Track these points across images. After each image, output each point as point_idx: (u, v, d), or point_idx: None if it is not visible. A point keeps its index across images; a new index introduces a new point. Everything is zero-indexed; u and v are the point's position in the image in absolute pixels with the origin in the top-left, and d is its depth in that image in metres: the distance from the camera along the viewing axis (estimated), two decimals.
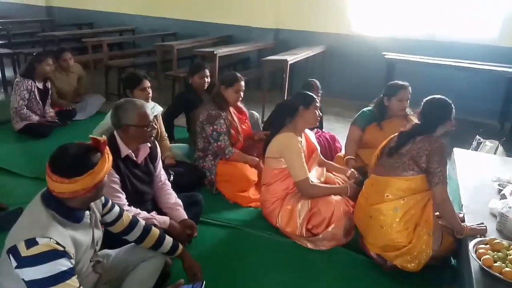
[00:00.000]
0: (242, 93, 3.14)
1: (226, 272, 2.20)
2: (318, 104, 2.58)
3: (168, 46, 5.55)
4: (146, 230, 1.79)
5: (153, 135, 2.16)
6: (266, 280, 2.17)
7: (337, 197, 2.50)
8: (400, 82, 3.01)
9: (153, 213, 2.17)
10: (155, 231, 1.82)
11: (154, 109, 2.95)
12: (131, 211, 1.99)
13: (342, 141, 3.38)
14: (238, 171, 2.99)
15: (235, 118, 3.18)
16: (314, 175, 2.68)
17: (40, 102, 4.07)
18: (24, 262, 1.30)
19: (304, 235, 2.44)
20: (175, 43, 5.68)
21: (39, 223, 1.37)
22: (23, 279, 1.32)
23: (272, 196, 2.57)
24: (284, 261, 2.33)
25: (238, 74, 3.13)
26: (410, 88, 2.98)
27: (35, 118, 3.99)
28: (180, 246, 1.88)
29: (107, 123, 2.90)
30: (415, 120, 2.77)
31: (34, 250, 1.30)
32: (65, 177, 1.36)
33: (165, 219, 2.16)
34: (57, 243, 1.34)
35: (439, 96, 2.22)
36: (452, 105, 2.18)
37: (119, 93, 5.30)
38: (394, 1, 5.56)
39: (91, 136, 1.47)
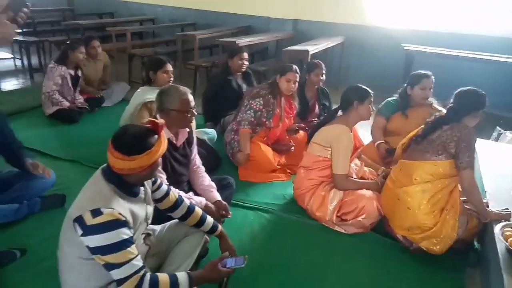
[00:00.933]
0: (293, 85, 3.23)
1: (257, 252, 2.31)
2: (372, 99, 2.56)
3: (190, 35, 5.65)
4: (190, 208, 1.90)
5: (191, 121, 2.26)
6: (296, 259, 2.28)
7: (370, 192, 2.55)
8: (423, 71, 3.08)
9: (191, 193, 2.30)
10: (198, 210, 1.93)
11: None
12: (173, 190, 2.12)
13: (360, 131, 3.44)
14: (260, 151, 3.14)
15: (283, 110, 3.30)
16: (353, 171, 2.74)
17: (72, 88, 4.21)
18: (90, 230, 1.42)
19: (334, 221, 2.54)
20: (197, 32, 5.77)
21: (102, 195, 1.49)
22: (87, 246, 1.44)
23: (309, 180, 2.64)
24: (312, 242, 2.44)
25: (294, 66, 3.21)
26: (433, 77, 3.05)
27: (66, 103, 4.13)
28: (220, 226, 1.99)
29: (128, 110, 3.06)
30: (441, 109, 2.86)
31: (99, 219, 1.42)
32: (126, 154, 1.47)
33: (201, 200, 2.29)
34: (119, 213, 1.46)
35: (473, 88, 2.26)
36: (485, 97, 2.22)
37: (142, 81, 5.40)
38: None
39: (150, 119, 1.57)
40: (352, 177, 2.66)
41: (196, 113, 2.22)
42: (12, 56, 5.89)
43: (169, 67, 3.07)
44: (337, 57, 6.13)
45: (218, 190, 2.43)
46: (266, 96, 3.20)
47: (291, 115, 3.44)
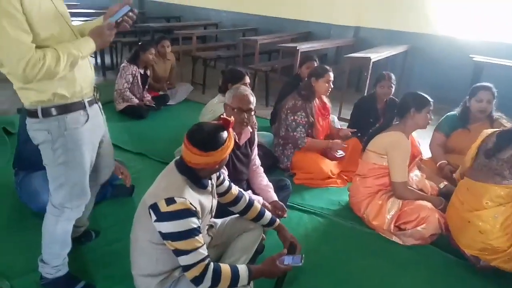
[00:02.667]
0: (331, 84, 3.27)
1: (311, 254, 2.32)
2: (431, 108, 2.51)
3: (252, 40, 5.80)
4: (250, 203, 1.99)
5: (248, 122, 2.33)
6: (350, 265, 2.28)
7: (430, 204, 2.49)
8: (484, 83, 2.93)
9: (249, 192, 2.39)
10: (257, 205, 2.02)
11: None
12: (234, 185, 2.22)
13: (422, 143, 3.35)
14: (313, 163, 3.15)
15: (319, 113, 3.33)
16: (413, 181, 2.70)
17: (141, 86, 4.51)
18: (163, 217, 1.54)
19: (392, 230, 2.50)
20: (258, 37, 5.91)
21: (176, 185, 1.61)
22: (160, 231, 1.56)
23: (365, 188, 2.63)
24: (367, 249, 2.43)
25: (327, 67, 3.27)
26: (494, 90, 2.87)
27: (135, 100, 4.43)
28: (278, 220, 2.06)
29: (205, 116, 3.17)
30: (507, 125, 2.71)
31: (172, 207, 1.54)
32: (203, 150, 1.58)
33: (258, 199, 2.36)
34: (191, 204, 1.58)
35: None
36: None
37: (204, 82, 5.66)
38: (483, 3, 5.30)
39: (221, 116, 1.68)
40: (411, 187, 2.61)
41: (253, 116, 2.32)
42: None
43: (247, 80, 3.16)
44: (399, 66, 5.99)
45: (275, 191, 2.49)
46: (303, 105, 3.21)
47: (326, 115, 3.45)
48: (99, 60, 6.44)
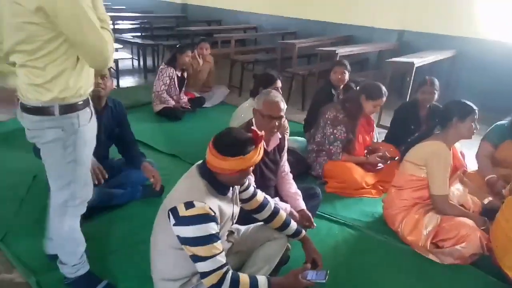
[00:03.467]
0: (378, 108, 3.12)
1: (340, 267, 2.22)
2: (476, 117, 2.32)
3: (290, 44, 5.73)
4: (275, 211, 1.92)
5: (277, 129, 2.26)
6: (381, 282, 2.15)
7: (471, 221, 2.29)
8: None
9: (276, 199, 2.32)
10: (283, 214, 1.94)
11: None
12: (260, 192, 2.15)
13: (467, 154, 3.13)
14: (347, 172, 3.01)
15: (362, 129, 3.19)
16: (454, 196, 2.53)
17: (177, 88, 4.57)
18: (181, 221, 1.51)
19: (428, 247, 2.33)
20: (297, 41, 5.84)
21: (196, 189, 1.57)
22: (178, 235, 1.53)
23: (401, 201, 2.49)
24: (400, 266, 2.28)
25: (384, 89, 3.04)
26: None
27: (171, 102, 4.49)
28: (303, 231, 1.98)
29: (235, 120, 3.13)
30: None
31: (191, 212, 1.50)
32: (219, 153, 1.53)
33: (286, 206, 2.28)
34: (210, 208, 1.53)
35: None
36: None
37: (240, 85, 5.66)
38: None
39: (253, 128, 1.61)
40: (452, 202, 2.43)
41: (283, 122, 2.23)
42: (131, 57, 6.59)
43: (279, 84, 3.09)
44: (445, 72, 5.68)
45: (304, 199, 2.40)
46: (345, 119, 3.07)
47: (370, 132, 3.29)
48: (141, 63, 6.64)
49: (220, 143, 1.56)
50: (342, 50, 5.12)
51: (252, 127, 1.64)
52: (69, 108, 1.61)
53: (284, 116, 2.30)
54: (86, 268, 1.89)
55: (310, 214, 2.30)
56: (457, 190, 2.56)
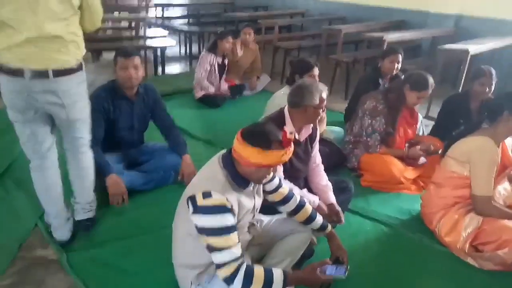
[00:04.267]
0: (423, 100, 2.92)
1: (368, 266, 2.14)
2: None
3: (336, 29, 5.52)
4: (301, 204, 1.86)
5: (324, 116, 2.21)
6: (414, 285, 2.04)
7: None
8: None
9: (304, 191, 2.25)
10: (308, 207, 1.88)
11: None
12: (286, 184, 2.10)
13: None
14: (385, 166, 2.85)
15: (404, 121, 3.01)
16: (501, 196, 2.32)
17: (218, 75, 4.58)
18: (199, 210, 1.50)
19: (466, 250, 2.16)
20: (343, 26, 5.62)
21: (215, 179, 1.56)
22: (195, 224, 1.53)
23: (440, 198, 2.33)
24: (435, 269, 2.14)
25: (431, 80, 2.83)
26: None
27: (212, 89, 4.52)
28: (329, 226, 1.91)
29: (269, 108, 3.05)
30: None
31: (208, 201, 1.49)
32: (243, 138, 1.50)
33: (314, 199, 2.21)
34: (227, 200, 1.51)
35: None
36: None
37: (283, 73, 5.56)
38: None
39: (285, 129, 1.54)
40: (497, 203, 2.22)
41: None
42: (175, 44, 6.69)
43: (316, 71, 2.96)
44: (507, 62, 5.20)
45: (335, 192, 2.31)
46: (385, 110, 2.89)
47: (413, 124, 3.08)
48: (187, 50, 6.73)
49: (248, 130, 1.53)
50: (391, 36, 4.84)
51: (285, 128, 1.56)
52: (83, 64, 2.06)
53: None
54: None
55: (339, 209, 2.21)
56: (504, 190, 2.34)
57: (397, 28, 6.06)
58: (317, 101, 2.06)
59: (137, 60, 2.49)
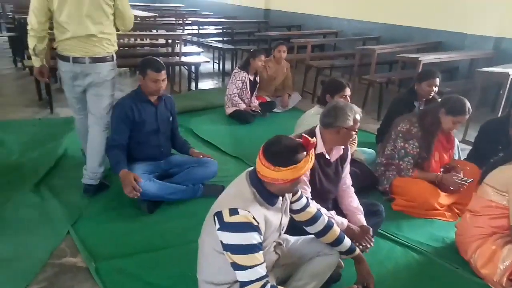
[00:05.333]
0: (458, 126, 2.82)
1: None
2: None
3: (369, 50, 5.48)
4: (328, 225, 1.82)
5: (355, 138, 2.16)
6: None
7: None
8: None
9: (332, 212, 2.19)
10: (336, 229, 1.84)
11: None
12: (314, 204, 2.06)
13: None
14: (418, 191, 2.75)
15: (439, 145, 2.91)
16: None
17: (249, 92, 4.64)
18: (225, 227, 1.50)
19: (504, 284, 2.04)
20: (377, 47, 5.56)
21: (242, 196, 1.55)
22: (221, 241, 1.52)
23: (476, 228, 2.22)
24: None
25: (468, 105, 2.72)
26: None
27: (242, 105, 4.58)
28: (357, 249, 1.85)
29: (300, 127, 3.03)
30: None
31: (234, 218, 1.48)
32: (272, 164, 1.49)
33: (342, 220, 2.15)
34: (254, 218, 1.50)
35: None
36: None
37: (314, 92, 5.56)
38: None
39: (304, 135, 1.55)
40: None
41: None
42: (209, 60, 6.83)
43: (348, 91, 2.93)
44: None
45: (365, 216, 2.25)
46: (419, 134, 2.80)
47: (449, 149, 2.96)
48: (221, 66, 6.87)
49: (271, 152, 1.51)
50: (426, 58, 4.75)
51: (303, 134, 1.57)
52: (114, 56, 2.82)
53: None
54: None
55: (370, 229, 2.14)
56: None
57: (434, 50, 5.94)
58: (351, 123, 2.03)
59: (165, 73, 2.70)
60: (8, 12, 7.89)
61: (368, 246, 2.09)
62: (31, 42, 2.60)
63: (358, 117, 2.06)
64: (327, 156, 2.15)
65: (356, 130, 2.08)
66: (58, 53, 2.67)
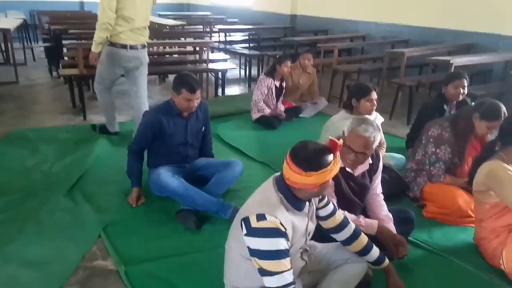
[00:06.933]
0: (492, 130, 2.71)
1: None
2: None
3: (399, 53, 5.37)
4: (355, 233, 1.79)
5: (355, 163, 2.06)
6: None
7: None
8: None
9: (361, 217, 2.15)
10: (364, 237, 1.80)
11: (376, 120, 2.91)
12: (340, 211, 2.02)
13: None
14: (450, 197, 2.65)
15: (473, 151, 2.81)
16: None
17: (275, 98, 4.64)
18: (252, 232, 1.50)
19: None
20: (406, 50, 5.45)
21: (269, 202, 1.55)
22: (248, 246, 1.52)
23: (489, 233, 2.17)
24: None
25: (503, 110, 2.61)
26: None
27: (267, 111, 4.59)
28: (386, 260, 1.81)
29: (334, 129, 2.98)
30: None
31: (262, 224, 1.48)
32: (303, 169, 1.47)
33: (372, 223, 2.08)
34: (281, 223, 1.49)
35: None
36: None
37: (341, 96, 5.50)
38: None
39: (331, 137, 1.53)
40: None
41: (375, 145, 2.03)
42: (235, 67, 6.89)
43: (374, 95, 2.88)
44: None
45: (395, 223, 2.19)
46: (452, 139, 2.71)
47: None
48: (247, 72, 6.91)
49: (300, 158, 1.49)
50: (458, 60, 4.60)
51: (331, 137, 1.55)
52: None
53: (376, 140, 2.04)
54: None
55: (404, 239, 2.07)
56: None
57: (466, 52, 5.76)
58: (346, 134, 2.00)
59: (200, 93, 2.69)
60: (44, 24, 8.24)
61: (404, 253, 2.01)
62: (103, 33, 3.30)
63: (361, 138, 1.95)
64: (350, 171, 2.11)
65: (354, 150, 1.96)
66: (115, 42, 3.41)
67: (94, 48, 3.39)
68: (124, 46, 3.43)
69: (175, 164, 2.86)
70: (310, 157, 1.48)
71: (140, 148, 2.80)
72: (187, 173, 2.88)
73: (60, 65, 5.45)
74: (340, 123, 2.79)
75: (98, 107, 3.41)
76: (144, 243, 2.37)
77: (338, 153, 1.54)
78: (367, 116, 2.53)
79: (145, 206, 2.77)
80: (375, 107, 2.91)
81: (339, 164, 1.54)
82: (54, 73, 6.62)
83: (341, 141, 1.53)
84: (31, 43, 9.26)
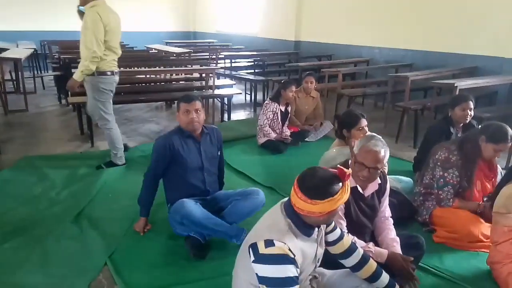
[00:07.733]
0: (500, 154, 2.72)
1: None
2: None
3: (403, 77, 5.42)
4: (364, 259, 1.77)
5: (370, 179, 2.05)
6: None
7: None
8: None
9: (370, 244, 2.12)
10: (373, 263, 1.78)
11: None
12: (349, 236, 2.00)
13: None
14: (460, 221, 2.62)
15: (481, 174, 2.80)
16: None
17: (280, 122, 4.68)
18: (260, 259, 1.48)
19: None
20: (410, 74, 5.50)
21: (278, 228, 1.54)
22: (256, 273, 1.50)
23: (504, 258, 2.13)
24: None
25: (510, 133, 2.61)
26: None
27: (273, 135, 4.61)
28: (397, 286, 1.77)
29: (324, 160, 2.98)
30: None
31: (270, 250, 1.46)
32: (308, 197, 1.47)
33: (382, 252, 2.05)
34: (290, 250, 1.47)
35: None
36: None
37: (336, 133, 5.46)
38: None
39: (339, 166, 1.53)
40: None
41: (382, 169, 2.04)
42: (241, 92, 6.97)
43: (363, 123, 2.88)
44: None
45: (404, 249, 2.12)
46: (458, 162, 2.69)
47: (492, 178, 2.82)
48: (253, 97, 6.99)
49: (306, 186, 1.49)
50: (463, 83, 4.63)
51: (339, 166, 1.55)
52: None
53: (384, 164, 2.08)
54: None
55: (412, 263, 2.03)
56: None
57: (469, 75, 5.79)
58: (357, 152, 2.00)
59: (198, 104, 2.61)
60: (54, 53, 8.45)
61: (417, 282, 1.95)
62: (93, 65, 3.48)
63: (372, 153, 1.96)
64: (360, 191, 2.10)
65: (367, 165, 1.96)
66: (103, 71, 3.61)
67: (79, 78, 3.54)
68: (113, 73, 3.71)
69: (196, 197, 2.70)
70: (317, 185, 1.48)
71: (155, 175, 2.68)
72: (208, 206, 2.70)
73: (69, 93, 5.55)
74: (334, 154, 2.82)
75: (106, 109, 3.72)
76: (151, 270, 2.34)
77: (347, 182, 1.52)
78: None
79: (152, 232, 2.75)
80: (366, 133, 2.87)
81: (348, 192, 1.52)
82: (63, 101, 6.75)
83: (349, 170, 1.52)
84: (41, 72, 9.47)
